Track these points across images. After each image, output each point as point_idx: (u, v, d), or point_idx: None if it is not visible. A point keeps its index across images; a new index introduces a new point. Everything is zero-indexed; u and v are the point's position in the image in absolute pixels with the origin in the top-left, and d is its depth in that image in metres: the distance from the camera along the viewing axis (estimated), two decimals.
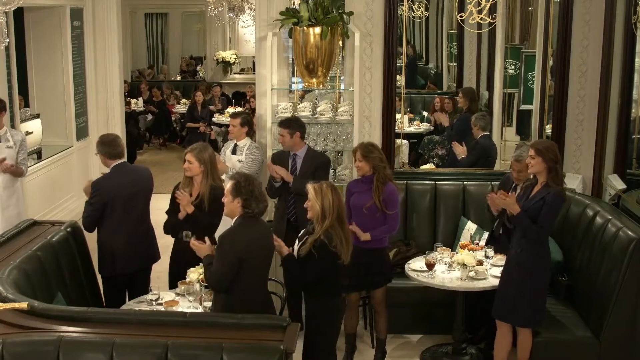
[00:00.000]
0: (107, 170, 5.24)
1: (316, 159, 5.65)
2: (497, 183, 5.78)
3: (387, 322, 5.37)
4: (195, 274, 4.78)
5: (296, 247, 4.46)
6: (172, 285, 5.03)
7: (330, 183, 4.48)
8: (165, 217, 5.27)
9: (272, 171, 5.52)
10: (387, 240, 5.34)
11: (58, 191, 8.51)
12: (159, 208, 5.61)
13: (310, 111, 5.97)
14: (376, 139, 6.05)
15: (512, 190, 5.20)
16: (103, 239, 5.17)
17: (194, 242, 4.30)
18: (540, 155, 4.65)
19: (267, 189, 5.72)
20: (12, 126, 7.28)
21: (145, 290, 4.92)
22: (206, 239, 4.32)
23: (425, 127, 8.02)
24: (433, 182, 6.19)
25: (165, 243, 5.44)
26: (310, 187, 4.38)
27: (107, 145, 5.18)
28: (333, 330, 4.54)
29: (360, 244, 5.05)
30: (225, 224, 4.56)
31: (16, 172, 6.44)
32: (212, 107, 12.40)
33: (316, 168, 5.56)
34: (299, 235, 4.54)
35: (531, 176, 4.94)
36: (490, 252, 5.35)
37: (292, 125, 5.57)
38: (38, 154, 8.34)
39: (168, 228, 5.21)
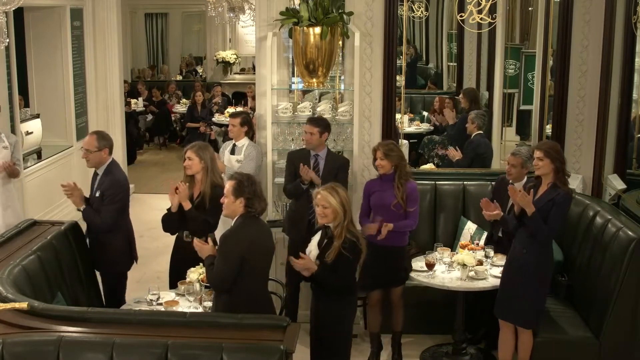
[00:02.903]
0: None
1: (337, 160, 5.66)
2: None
3: (403, 317, 5.41)
4: (195, 274, 4.78)
5: (312, 252, 4.36)
6: (172, 285, 5.04)
7: (335, 183, 4.48)
8: None
9: (305, 173, 5.41)
10: (407, 239, 5.33)
11: (58, 191, 8.42)
12: (159, 208, 5.61)
13: (310, 111, 5.96)
14: (376, 139, 6.04)
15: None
16: (118, 236, 5.17)
17: (197, 243, 4.29)
18: (549, 156, 4.66)
19: (288, 190, 5.64)
20: (12, 126, 7.32)
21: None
22: (209, 239, 4.32)
23: (425, 127, 8.02)
24: (433, 182, 6.18)
25: (165, 243, 5.44)
26: (322, 192, 4.30)
27: (108, 139, 5.21)
28: (349, 327, 4.49)
29: (382, 242, 5.06)
30: (225, 224, 4.55)
31: (14, 172, 6.43)
32: (217, 100, 12.38)
33: (338, 169, 5.55)
34: (317, 242, 4.41)
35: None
36: (490, 252, 5.35)
37: (322, 124, 5.55)
38: (38, 154, 8.33)
39: (164, 222, 5.18)
